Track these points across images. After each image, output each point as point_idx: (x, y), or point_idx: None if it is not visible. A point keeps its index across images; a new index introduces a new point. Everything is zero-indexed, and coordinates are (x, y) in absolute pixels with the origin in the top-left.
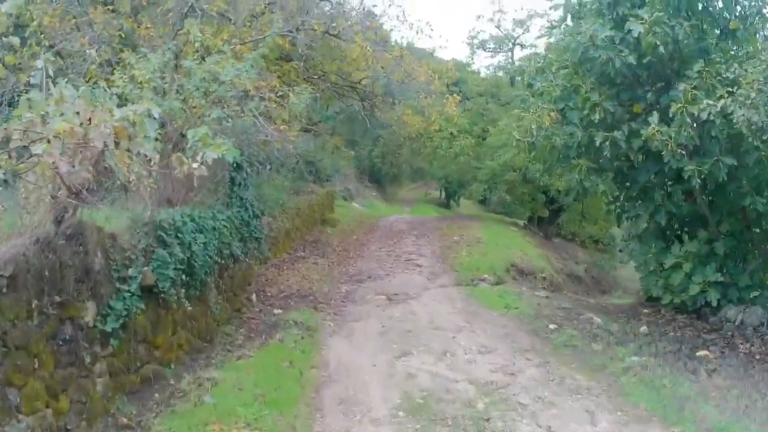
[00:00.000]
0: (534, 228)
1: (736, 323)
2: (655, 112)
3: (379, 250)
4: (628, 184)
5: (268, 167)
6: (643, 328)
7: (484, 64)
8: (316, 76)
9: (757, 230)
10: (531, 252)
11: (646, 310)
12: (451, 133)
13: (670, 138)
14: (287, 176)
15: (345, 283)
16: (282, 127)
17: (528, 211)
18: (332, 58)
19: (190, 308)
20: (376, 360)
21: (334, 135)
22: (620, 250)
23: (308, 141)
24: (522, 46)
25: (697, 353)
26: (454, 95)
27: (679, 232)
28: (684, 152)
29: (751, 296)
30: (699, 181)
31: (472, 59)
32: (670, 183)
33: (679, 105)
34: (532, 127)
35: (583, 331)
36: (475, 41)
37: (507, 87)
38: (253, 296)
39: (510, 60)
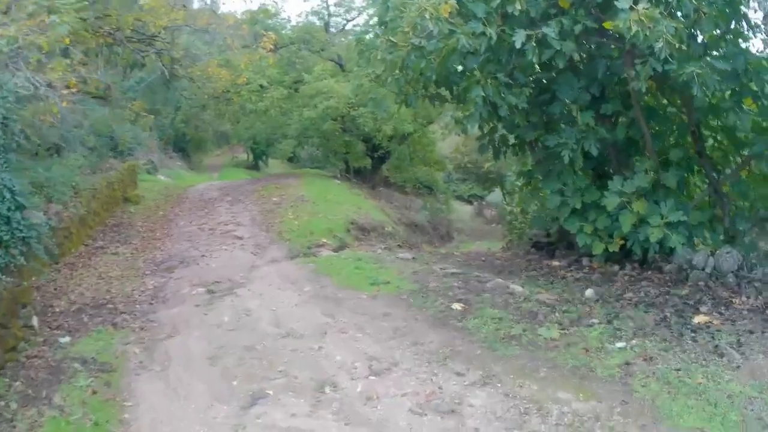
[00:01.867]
0: (354, 179)
1: (707, 270)
2: None
3: (190, 225)
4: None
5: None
6: (590, 292)
7: (295, 12)
8: (108, 29)
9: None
10: (365, 205)
11: (556, 262)
12: (261, 86)
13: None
14: (84, 153)
15: (152, 276)
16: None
17: (342, 163)
18: (129, 10)
19: None
20: (213, 419)
21: (135, 102)
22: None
23: (103, 109)
24: None
25: (693, 320)
26: (270, 33)
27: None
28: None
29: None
30: (703, 90)
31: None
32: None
33: None
34: (426, 18)
35: (510, 309)
36: None
37: (321, 33)
38: (34, 320)
39: (324, 4)
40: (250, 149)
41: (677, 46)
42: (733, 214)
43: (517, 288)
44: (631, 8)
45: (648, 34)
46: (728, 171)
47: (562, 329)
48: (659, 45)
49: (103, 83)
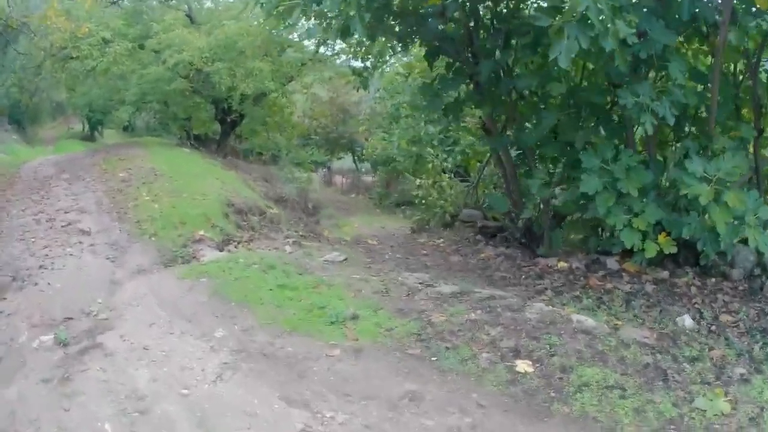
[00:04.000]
0: (201, 148)
1: None
2: None
3: (24, 214)
4: None
5: None
6: (688, 321)
7: None
8: None
9: None
10: (227, 178)
11: (563, 263)
12: (104, 39)
13: None
14: None
15: None
16: None
17: (182, 131)
18: None
19: None
20: None
21: None
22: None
23: None
24: None
25: None
26: None
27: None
28: None
29: None
30: None
31: None
32: None
33: None
34: None
35: (612, 363)
36: None
37: None
38: None
39: None
40: (86, 118)
41: None
42: None
43: (586, 320)
44: None
45: None
46: None
47: (724, 396)
48: None
49: None
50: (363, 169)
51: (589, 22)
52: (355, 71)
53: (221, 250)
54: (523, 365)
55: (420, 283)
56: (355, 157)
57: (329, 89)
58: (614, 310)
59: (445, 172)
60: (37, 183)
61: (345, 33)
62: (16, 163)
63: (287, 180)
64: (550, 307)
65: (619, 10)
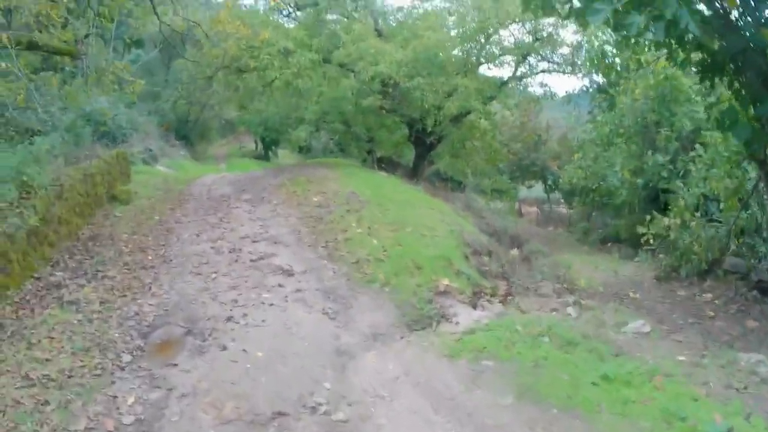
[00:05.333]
0: (389, 170)
1: None
2: None
3: (198, 240)
4: None
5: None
6: None
7: None
8: None
9: None
10: (444, 209)
11: None
12: (285, 48)
13: None
14: (64, 138)
15: (131, 376)
16: None
17: (365, 153)
18: None
19: None
20: None
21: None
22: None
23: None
24: None
25: None
26: None
27: None
28: None
29: None
30: None
31: None
32: None
33: None
34: None
35: None
36: None
37: None
38: None
39: None
40: (260, 137)
41: None
42: None
43: None
44: None
45: None
46: None
47: None
48: None
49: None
50: (561, 199)
51: None
52: (601, 89)
53: (474, 307)
54: None
55: None
56: (547, 186)
57: (522, 113)
58: None
59: (697, 211)
60: (213, 203)
61: (672, 28)
62: (185, 179)
63: (494, 211)
64: None
65: None
